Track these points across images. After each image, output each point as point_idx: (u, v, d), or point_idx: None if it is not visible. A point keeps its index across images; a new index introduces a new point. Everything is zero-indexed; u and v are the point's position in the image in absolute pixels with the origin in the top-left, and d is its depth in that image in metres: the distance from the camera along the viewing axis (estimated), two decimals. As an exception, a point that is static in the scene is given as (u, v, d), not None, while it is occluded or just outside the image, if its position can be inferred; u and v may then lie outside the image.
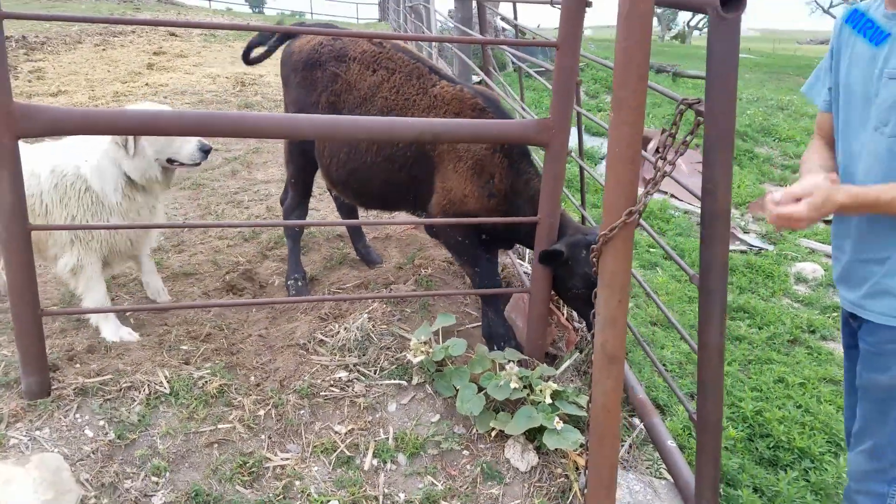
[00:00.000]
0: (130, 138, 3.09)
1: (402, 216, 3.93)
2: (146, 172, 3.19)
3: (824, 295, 4.84)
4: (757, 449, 2.86)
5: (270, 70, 11.29)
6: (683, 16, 49.57)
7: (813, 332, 4.01)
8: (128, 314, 3.51)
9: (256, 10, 41.55)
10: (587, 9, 2.56)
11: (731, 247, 5.66)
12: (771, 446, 2.86)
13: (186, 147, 3.17)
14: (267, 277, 3.96)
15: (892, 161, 1.74)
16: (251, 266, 4.09)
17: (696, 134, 1.84)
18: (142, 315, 3.49)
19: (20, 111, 2.30)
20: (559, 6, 2.56)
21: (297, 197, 3.83)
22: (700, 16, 48.19)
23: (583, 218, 3.62)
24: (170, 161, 3.22)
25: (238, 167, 6.41)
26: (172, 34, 15.60)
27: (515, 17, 4.94)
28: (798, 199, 1.73)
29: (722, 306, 1.98)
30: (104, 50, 13.48)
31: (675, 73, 14.12)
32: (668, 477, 2.55)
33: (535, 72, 5.42)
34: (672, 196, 7.11)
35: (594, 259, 1.95)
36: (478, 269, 3.17)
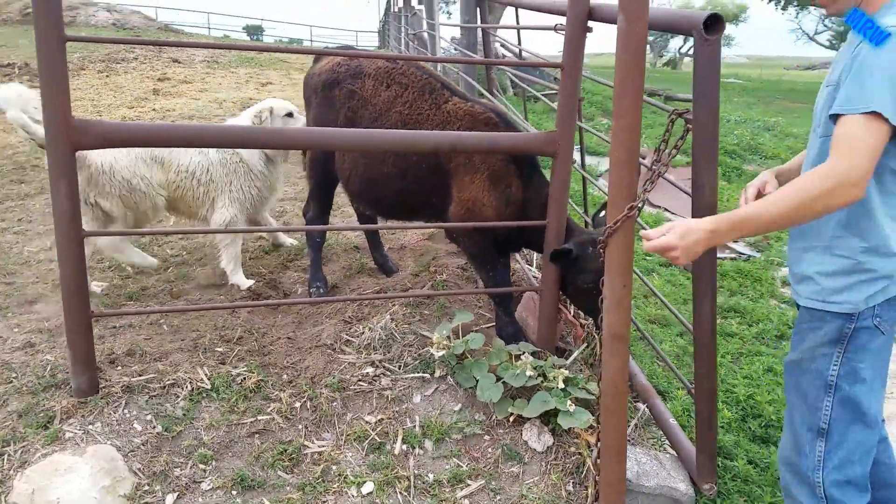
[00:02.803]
0: (265, 118, 4.10)
1: (415, 224, 4.18)
2: None
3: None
4: (750, 428, 3.12)
5: (277, 95, 11.59)
6: (675, 43, 50.57)
7: (798, 328, 4.27)
8: (161, 320, 3.74)
9: (255, 38, 42.11)
10: (587, 34, 2.84)
11: (722, 255, 5.93)
12: (763, 425, 3.12)
13: (297, 124, 4.19)
14: (290, 286, 4.20)
15: (819, 160, 1.86)
16: (275, 276, 4.34)
17: (686, 139, 2.12)
18: (175, 321, 3.72)
19: (77, 125, 2.55)
20: (562, 32, 2.84)
21: (318, 210, 4.05)
22: (690, 42, 49.16)
23: (586, 223, 3.88)
24: None
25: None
26: (175, 60, 15.92)
27: (519, 43, 5.25)
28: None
29: (712, 287, 2.25)
30: (108, 76, 13.75)
31: (666, 96, 14.95)
32: (672, 451, 2.79)
33: (538, 92, 5.72)
34: (665, 210, 7.39)
35: (602, 249, 2.20)
36: (492, 274, 3.37)
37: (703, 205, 2.17)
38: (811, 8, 34.00)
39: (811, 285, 1.94)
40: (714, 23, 1.94)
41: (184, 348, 3.36)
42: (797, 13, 36.86)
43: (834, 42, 37.43)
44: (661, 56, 52.39)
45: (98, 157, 3.82)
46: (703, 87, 2.02)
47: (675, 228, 1.80)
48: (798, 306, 2.07)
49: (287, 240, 5.01)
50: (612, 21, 2.69)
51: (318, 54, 3.53)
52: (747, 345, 4.03)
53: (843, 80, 1.73)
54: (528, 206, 3.23)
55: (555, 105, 6.35)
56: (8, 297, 4.02)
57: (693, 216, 2.24)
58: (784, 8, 35.07)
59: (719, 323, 4.22)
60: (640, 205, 2.12)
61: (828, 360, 1.90)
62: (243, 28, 44.29)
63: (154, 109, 10.28)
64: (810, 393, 1.95)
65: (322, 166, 3.86)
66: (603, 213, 3.22)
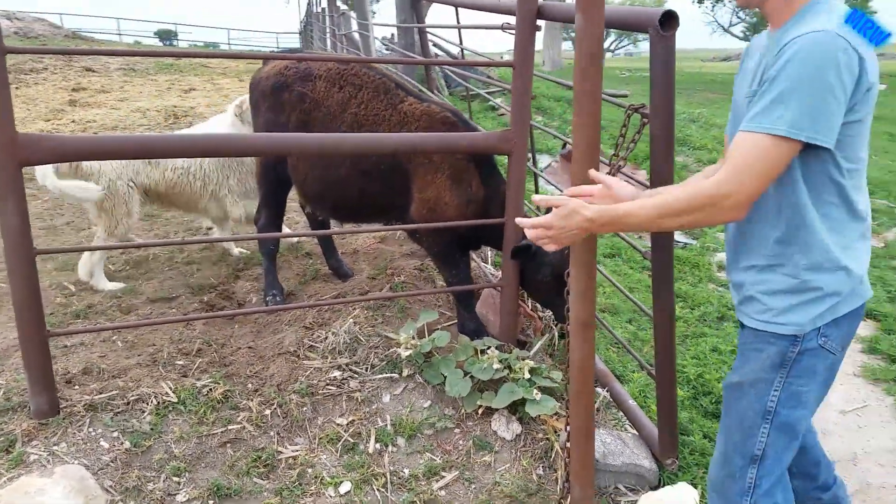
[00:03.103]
0: (245, 110, 4.31)
1: (377, 227, 4.20)
2: None
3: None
4: (702, 405, 3.32)
5: (201, 101, 11.32)
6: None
7: (737, 309, 4.56)
8: (114, 337, 3.65)
9: (168, 43, 40.73)
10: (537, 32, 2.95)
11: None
12: (713, 402, 3.33)
13: None
14: (244, 296, 4.15)
15: None
16: (227, 286, 4.28)
17: (643, 132, 2.25)
18: (129, 336, 3.63)
19: (23, 140, 2.47)
20: (510, 31, 2.95)
21: (270, 216, 3.99)
22: (612, 39, 50.92)
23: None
24: None
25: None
26: (89, 69, 15.27)
27: (461, 42, 5.35)
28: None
29: (669, 275, 2.40)
30: (17, 88, 13.03)
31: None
32: (633, 431, 2.95)
33: (481, 90, 5.83)
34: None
35: (567, 242, 2.30)
36: (455, 272, 3.45)
37: (660, 195, 2.31)
38: (725, 1, 35.71)
39: (755, 304, 1.84)
40: (668, 19, 2.08)
41: (142, 363, 3.30)
42: (712, 6, 38.62)
43: (748, 34, 39.30)
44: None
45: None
46: (659, 82, 2.15)
47: (561, 208, 1.74)
48: (742, 326, 1.95)
49: (235, 250, 4.95)
50: (559, 19, 2.82)
51: (265, 58, 3.50)
52: (692, 327, 4.27)
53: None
54: (487, 203, 3.31)
55: (496, 101, 6.48)
56: (-57, 323, 3.83)
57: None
58: (700, 1, 36.65)
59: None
60: (601, 198, 2.24)
61: (768, 385, 1.81)
62: (155, 33, 42.81)
63: (73, 121, 9.86)
64: (747, 417, 1.85)
65: (274, 171, 3.80)
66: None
